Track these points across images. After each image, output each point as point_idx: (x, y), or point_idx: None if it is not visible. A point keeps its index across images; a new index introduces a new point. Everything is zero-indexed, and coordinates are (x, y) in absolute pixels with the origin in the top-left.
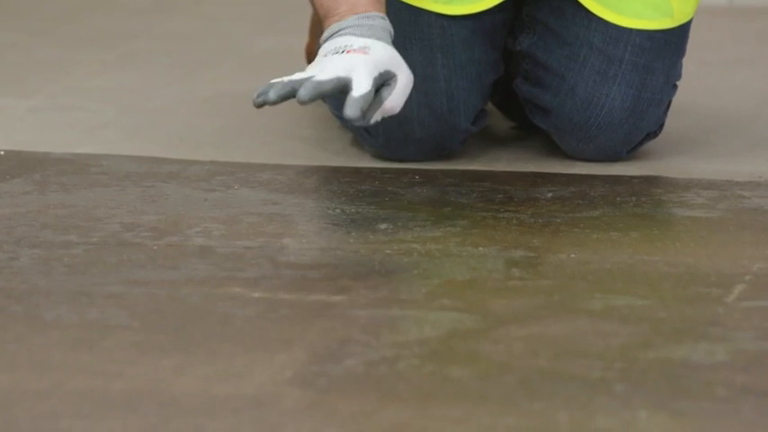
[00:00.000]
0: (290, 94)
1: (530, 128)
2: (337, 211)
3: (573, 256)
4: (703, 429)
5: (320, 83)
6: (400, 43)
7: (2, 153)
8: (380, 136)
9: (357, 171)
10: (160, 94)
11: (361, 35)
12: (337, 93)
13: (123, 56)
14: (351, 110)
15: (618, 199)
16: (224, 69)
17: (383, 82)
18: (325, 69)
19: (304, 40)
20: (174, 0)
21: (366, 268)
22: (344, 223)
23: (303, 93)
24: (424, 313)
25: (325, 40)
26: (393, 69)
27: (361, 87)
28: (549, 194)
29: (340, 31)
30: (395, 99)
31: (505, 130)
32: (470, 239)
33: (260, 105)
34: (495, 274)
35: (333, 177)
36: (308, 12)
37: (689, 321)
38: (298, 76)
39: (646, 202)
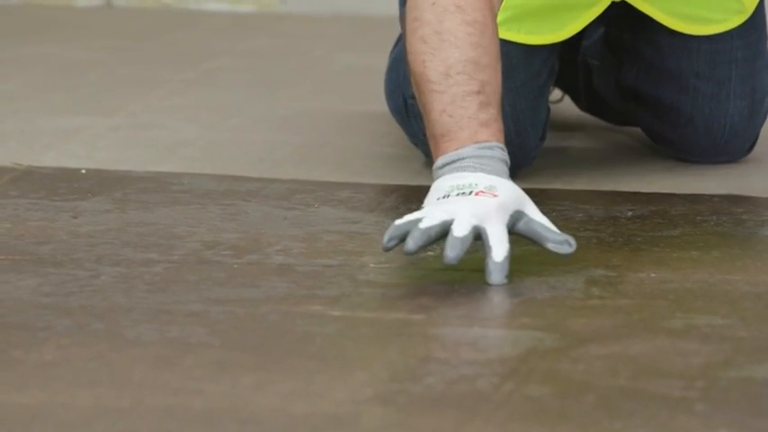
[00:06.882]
0: (428, 242)
1: (623, 124)
2: None
3: (653, 275)
4: None
5: (459, 235)
6: None
7: (83, 171)
8: None
9: None
10: (241, 112)
11: (483, 170)
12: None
13: (204, 74)
14: (495, 278)
15: (698, 218)
16: (304, 87)
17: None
18: (457, 216)
19: (385, 57)
20: (255, 18)
21: (446, 287)
22: None
23: (411, 244)
24: (503, 332)
25: (442, 169)
26: (521, 208)
27: (500, 251)
28: (629, 213)
29: (460, 161)
30: (543, 232)
31: (584, 149)
32: (550, 258)
33: (391, 249)
34: (575, 293)
35: (413, 196)
36: (389, 30)
37: None
38: (427, 221)
39: (726, 221)
